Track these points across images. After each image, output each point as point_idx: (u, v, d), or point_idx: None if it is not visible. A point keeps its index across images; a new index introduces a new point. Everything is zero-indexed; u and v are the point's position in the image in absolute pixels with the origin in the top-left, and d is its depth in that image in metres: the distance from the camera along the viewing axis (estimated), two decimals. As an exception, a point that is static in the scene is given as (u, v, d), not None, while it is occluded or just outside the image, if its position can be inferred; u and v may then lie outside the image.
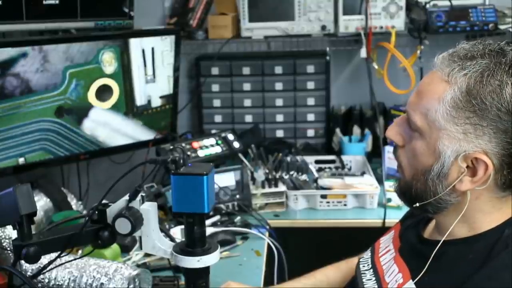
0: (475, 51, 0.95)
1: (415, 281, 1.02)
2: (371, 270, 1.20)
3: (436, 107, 0.95)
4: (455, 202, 0.99)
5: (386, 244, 1.22)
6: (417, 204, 1.02)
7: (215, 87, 2.62)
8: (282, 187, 2.10)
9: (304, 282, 1.47)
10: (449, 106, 0.94)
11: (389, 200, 2.03)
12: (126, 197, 1.04)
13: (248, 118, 2.64)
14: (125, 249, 1.72)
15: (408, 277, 1.05)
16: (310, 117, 2.62)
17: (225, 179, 2.04)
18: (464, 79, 0.93)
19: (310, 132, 2.63)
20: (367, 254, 1.27)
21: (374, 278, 1.17)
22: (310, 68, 2.57)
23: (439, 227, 1.07)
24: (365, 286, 1.17)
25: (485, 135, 0.92)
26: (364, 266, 1.23)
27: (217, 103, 2.64)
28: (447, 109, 0.94)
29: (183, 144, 2.28)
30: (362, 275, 1.21)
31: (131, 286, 1.30)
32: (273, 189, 2.09)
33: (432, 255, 1.00)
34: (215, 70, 2.60)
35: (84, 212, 1.92)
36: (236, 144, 2.34)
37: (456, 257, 0.99)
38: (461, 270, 0.96)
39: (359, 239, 1.51)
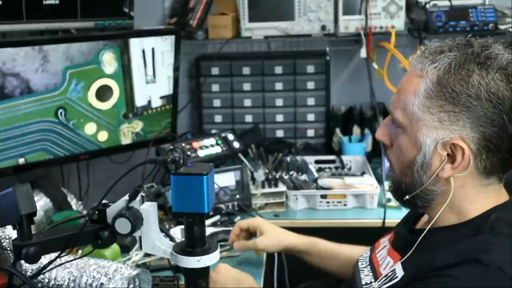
0: (444, 46, 1.01)
1: (401, 261, 1.05)
2: (369, 266, 1.23)
3: (413, 100, 1.01)
4: (441, 192, 1.03)
5: (384, 243, 1.25)
6: (407, 197, 1.06)
7: (215, 87, 2.62)
8: (282, 187, 2.10)
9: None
10: (423, 98, 0.99)
11: (389, 200, 2.03)
12: (126, 197, 1.04)
13: (248, 118, 2.64)
14: (125, 249, 1.71)
15: (397, 260, 1.08)
16: (310, 117, 2.62)
17: (225, 179, 2.03)
18: (435, 71, 0.99)
19: (310, 132, 2.63)
20: (366, 253, 1.29)
21: (371, 274, 1.19)
22: (310, 68, 2.56)
23: (430, 219, 1.09)
24: (362, 281, 1.19)
25: (459, 121, 0.97)
26: (362, 264, 1.26)
27: (217, 103, 2.64)
28: (422, 100, 1.00)
29: (183, 144, 2.28)
30: (360, 271, 1.24)
31: (131, 286, 1.30)
32: (273, 189, 2.09)
33: (420, 238, 1.04)
34: (215, 70, 2.60)
35: (84, 212, 1.92)
36: (236, 144, 2.34)
37: (442, 240, 1.02)
38: (445, 250, 0.98)
39: (359, 239, 1.51)
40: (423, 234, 1.04)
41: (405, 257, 1.05)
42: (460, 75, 0.96)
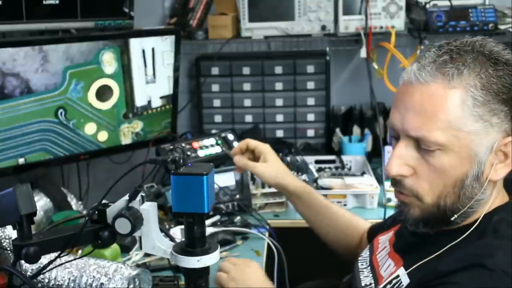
0: (453, 51, 0.97)
1: (407, 270, 1.03)
2: (369, 267, 1.22)
3: (459, 114, 0.94)
4: (486, 198, 1.00)
5: (384, 243, 1.23)
6: (455, 216, 0.99)
7: (215, 87, 2.62)
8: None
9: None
10: (473, 107, 0.94)
11: (389, 200, 2.03)
12: (126, 197, 1.04)
13: (248, 118, 2.64)
14: (125, 249, 1.71)
15: (400, 265, 1.07)
16: (310, 117, 2.62)
17: (225, 179, 2.03)
18: (472, 76, 0.94)
19: (310, 132, 2.63)
20: (365, 253, 1.29)
21: (371, 275, 1.18)
22: (310, 68, 2.57)
23: None
24: (362, 282, 1.19)
25: (506, 117, 0.95)
26: (362, 265, 1.25)
27: (217, 103, 2.64)
28: (472, 110, 0.94)
29: (183, 144, 2.28)
30: (360, 273, 1.23)
31: (131, 286, 1.30)
32: (273, 189, 2.09)
33: (423, 241, 1.02)
34: (215, 70, 2.60)
35: (84, 212, 1.92)
36: (236, 144, 2.34)
37: (446, 243, 0.99)
38: (450, 255, 0.97)
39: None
40: (428, 238, 1.02)
41: (410, 264, 1.03)
42: (493, 72, 0.94)
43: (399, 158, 0.99)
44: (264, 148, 1.54)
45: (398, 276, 1.05)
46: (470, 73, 0.94)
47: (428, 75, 0.95)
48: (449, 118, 0.94)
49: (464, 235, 0.99)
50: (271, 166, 1.51)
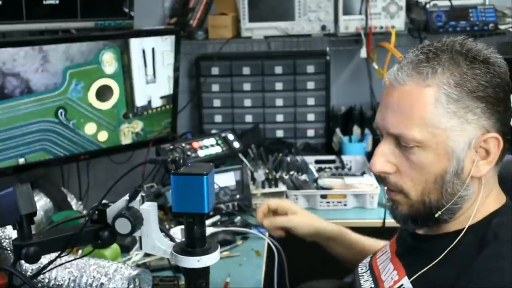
0: (430, 51, 0.99)
1: (411, 279, 1.02)
2: (368, 271, 1.21)
3: (433, 111, 0.96)
4: (470, 195, 1.00)
5: (384, 248, 1.23)
6: (439, 213, 1.00)
7: (215, 87, 2.62)
8: (282, 187, 2.10)
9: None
10: (447, 104, 0.95)
11: (389, 200, 2.03)
12: (126, 197, 1.04)
13: (248, 118, 2.64)
14: (125, 249, 1.71)
15: (403, 274, 1.06)
16: (310, 117, 2.62)
17: (225, 179, 2.03)
18: (447, 74, 0.96)
19: (310, 132, 2.63)
20: (366, 259, 1.28)
21: (371, 279, 1.18)
22: (310, 68, 2.57)
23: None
24: (362, 287, 1.18)
25: (485, 114, 0.95)
26: (362, 269, 1.24)
27: (217, 103, 2.64)
28: (446, 107, 0.96)
29: (183, 144, 2.28)
30: (360, 277, 1.22)
31: (131, 286, 1.30)
32: (273, 189, 2.09)
33: (424, 249, 1.02)
34: (215, 70, 2.61)
35: (84, 212, 1.92)
36: (236, 144, 2.34)
37: (448, 251, 0.99)
38: (452, 262, 0.97)
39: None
40: (427, 243, 1.02)
41: (413, 272, 1.02)
42: (468, 70, 0.95)
43: (381, 155, 1.04)
44: (287, 204, 1.54)
45: (402, 285, 1.04)
46: (445, 71, 0.96)
47: (405, 75, 0.99)
48: (424, 115, 0.96)
49: (463, 235, 0.99)
50: (302, 215, 1.51)
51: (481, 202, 1.01)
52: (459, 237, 0.99)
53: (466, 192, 1.00)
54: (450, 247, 0.99)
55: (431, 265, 0.99)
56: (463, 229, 1.00)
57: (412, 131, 0.97)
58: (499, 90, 0.96)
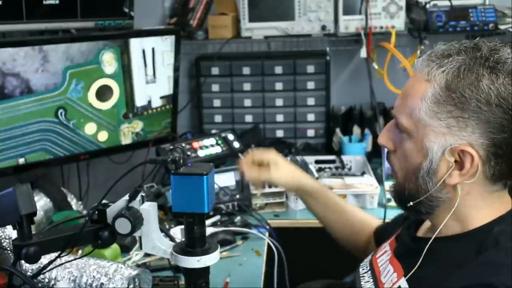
0: (451, 49, 0.99)
1: (406, 277, 1.03)
2: (369, 272, 1.21)
3: (419, 105, 0.98)
4: (446, 198, 1.00)
5: (385, 247, 1.23)
6: (411, 203, 1.03)
7: (215, 87, 2.62)
8: (282, 187, 2.10)
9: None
10: (431, 103, 0.96)
11: (389, 200, 2.03)
12: (126, 197, 1.04)
13: (248, 118, 2.64)
14: (125, 249, 1.72)
15: (401, 276, 1.06)
16: (310, 117, 2.62)
17: (225, 179, 2.04)
18: (443, 75, 0.96)
19: (310, 132, 2.63)
20: (367, 257, 1.28)
21: (371, 280, 1.18)
22: (310, 68, 2.56)
23: (433, 226, 1.08)
24: (363, 287, 1.18)
25: (468, 127, 0.94)
26: (363, 269, 1.24)
27: (217, 103, 2.64)
28: (429, 105, 0.97)
29: (183, 144, 2.28)
30: (361, 277, 1.22)
31: (131, 286, 1.30)
32: (273, 189, 2.09)
33: (424, 252, 1.01)
34: (215, 70, 2.60)
35: (84, 212, 1.92)
36: (236, 144, 2.34)
37: (446, 253, 1.00)
38: (450, 266, 0.96)
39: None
40: (427, 246, 1.01)
41: (410, 273, 1.02)
42: (469, 79, 0.93)
43: (386, 131, 1.08)
44: (272, 156, 1.50)
45: (399, 287, 1.04)
46: (446, 71, 0.96)
47: (420, 65, 1.01)
48: (413, 106, 0.99)
49: (463, 239, 0.99)
50: (286, 169, 1.49)
51: (475, 210, 1.00)
52: (458, 240, 0.99)
53: (441, 194, 1.00)
54: (447, 253, 0.99)
55: (429, 267, 1.00)
56: (463, 233, 1.00)
57: (402, 118, 1.01)
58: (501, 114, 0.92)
